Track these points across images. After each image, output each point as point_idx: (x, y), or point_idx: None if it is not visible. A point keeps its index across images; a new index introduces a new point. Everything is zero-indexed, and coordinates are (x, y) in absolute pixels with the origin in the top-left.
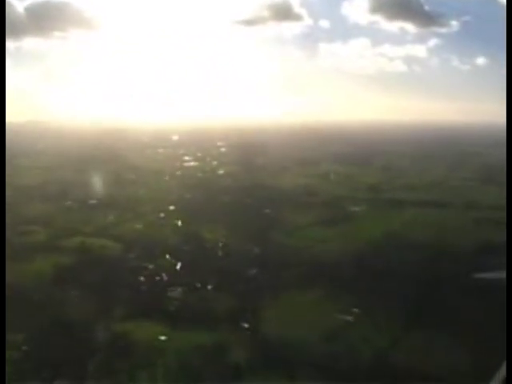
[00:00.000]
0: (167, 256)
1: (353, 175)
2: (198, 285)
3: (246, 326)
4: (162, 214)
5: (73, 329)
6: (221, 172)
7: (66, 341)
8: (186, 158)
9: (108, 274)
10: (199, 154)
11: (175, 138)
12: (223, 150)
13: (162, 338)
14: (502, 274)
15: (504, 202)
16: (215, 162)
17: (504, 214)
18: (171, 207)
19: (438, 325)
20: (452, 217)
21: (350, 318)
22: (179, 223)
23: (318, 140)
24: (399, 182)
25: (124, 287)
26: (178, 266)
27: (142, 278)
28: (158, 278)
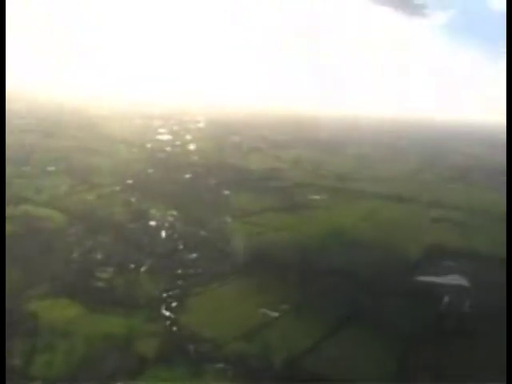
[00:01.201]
0: (109, 233)
1: (323, 162)
2: (132, 266)
3: (167, 314)
4: (118, 188)
5: None
6: (191, 148)
7: None
8: (161, 130)
9: (41, 249)
10: (175, 128)
11: (156, 111)
12: (201, 125)
13: (75, 320)
14: (444, 279)
15: (470, 202)
16: (189, 137)
17: (466, 214)
18: (129, 181)
19: (364, 328)
20: (412, 213)
21: (276, 314)
22: (132, 199)
23: (297, 124)
24: (368, 173)
25: (53, 263)
26: (117, 245)
27: (75, 255)
28: (92, 255)
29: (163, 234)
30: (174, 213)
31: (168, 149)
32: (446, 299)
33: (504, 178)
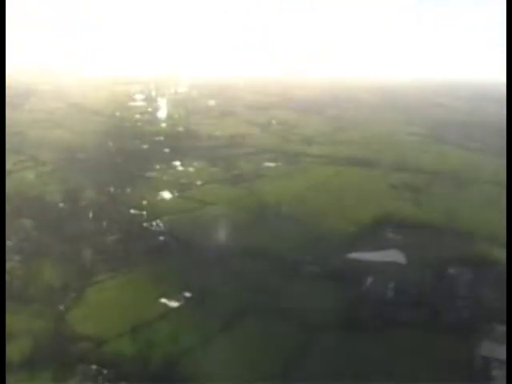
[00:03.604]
0: (32, 216)
1: (295, 124)
2: (43, 252)
3: (61, 308)
4: (64, 163)
5: None
6: (160, 114)
7: None
8: (138, 96)
9: None
10: (153, 94)
11: (142, 78)
12: (182, 89)
13: None
14: (378, 255)
15: (439, 165)
16: (163, 103)
17: (429, 179)
18: (80, 155)
19: (262, 320)
20: (371, 179)
21: (175, 304)
22: (74, 175)
23: (285, 86)
24: (340, 135)
25: None
26: (36, 229)
27: None
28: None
29: (91, 214)
30: (109, 190)
31: (137, 116)
32: (369, 281)
33: (485, 135)
